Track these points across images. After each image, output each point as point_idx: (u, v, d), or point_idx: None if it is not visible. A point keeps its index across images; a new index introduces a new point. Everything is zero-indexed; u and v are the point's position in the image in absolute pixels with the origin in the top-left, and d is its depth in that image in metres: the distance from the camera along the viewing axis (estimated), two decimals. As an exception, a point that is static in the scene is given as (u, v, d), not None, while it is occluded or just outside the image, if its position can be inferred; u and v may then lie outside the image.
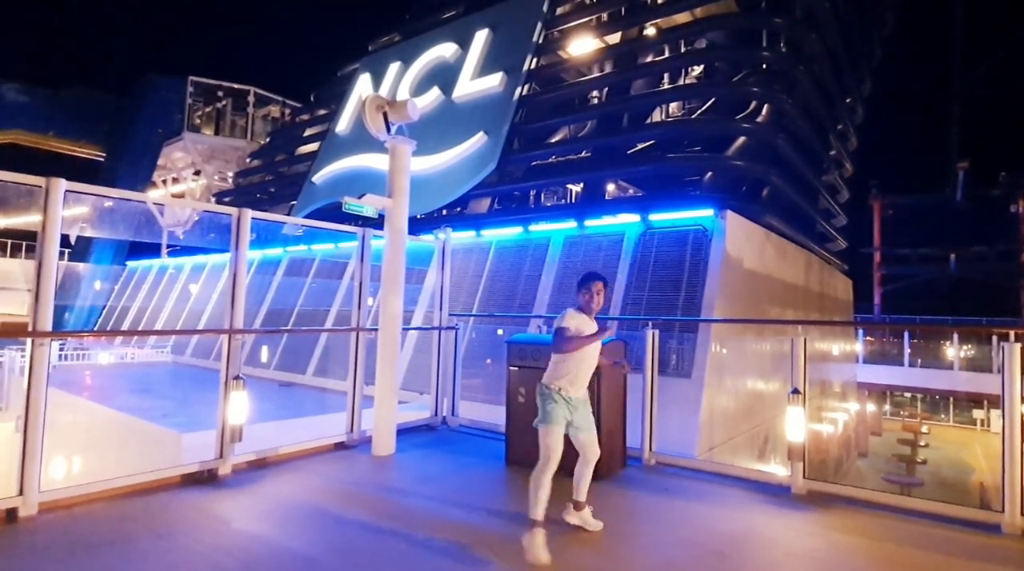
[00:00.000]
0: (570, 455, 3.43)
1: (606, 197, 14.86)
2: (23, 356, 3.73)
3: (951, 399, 26.21)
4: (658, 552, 3.31)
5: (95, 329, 22.45)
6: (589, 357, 3.51)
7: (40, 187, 3.63)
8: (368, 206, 5.25)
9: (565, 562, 3.14)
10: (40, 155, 28.68)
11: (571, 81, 15.56)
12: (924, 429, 21.96)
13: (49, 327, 3.62)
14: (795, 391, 4.26)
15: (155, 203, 17.13)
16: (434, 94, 16.77)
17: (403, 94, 17.56)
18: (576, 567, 3.10)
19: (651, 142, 14.43)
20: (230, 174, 27.59)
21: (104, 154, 29.02)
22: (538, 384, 3.52)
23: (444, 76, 17.09)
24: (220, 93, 27.24)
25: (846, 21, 17.20)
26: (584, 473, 3.52)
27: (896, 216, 31.62)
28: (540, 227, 12.30)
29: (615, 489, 3.60)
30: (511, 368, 4.99)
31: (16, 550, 3.09)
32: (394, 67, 19.03)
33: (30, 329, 3.55)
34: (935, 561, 3.25)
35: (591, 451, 3.51)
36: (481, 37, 16.71)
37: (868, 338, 21.78)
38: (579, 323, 3.47)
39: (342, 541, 3.35)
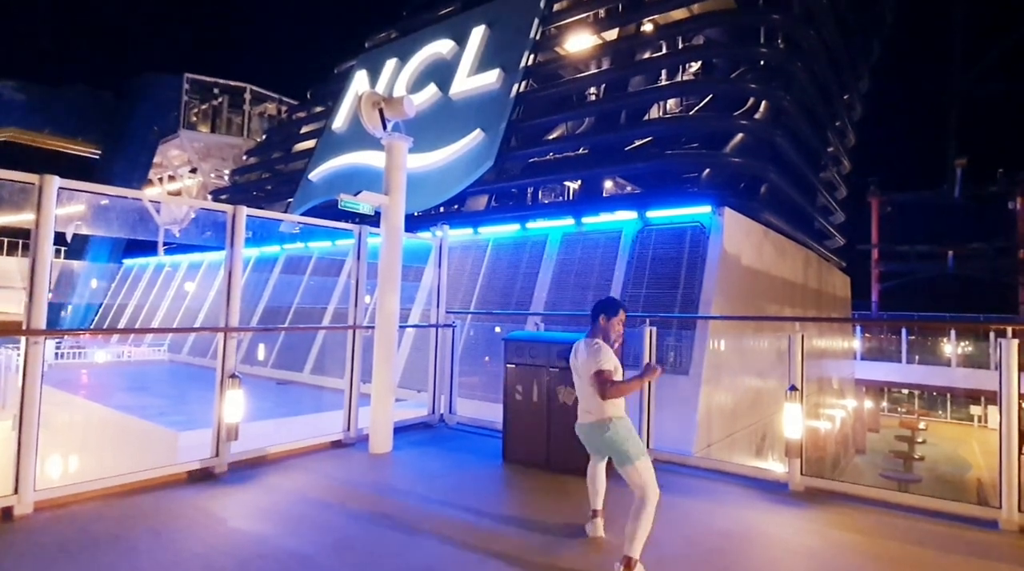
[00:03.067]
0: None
1: (603, 194, 14.84)
2: (20, 354, 3.70)
3: (949, 396, 26.32)
4: (656, 549, 3.30)
5: (91, 327, 22.38)
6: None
7: (33, 184, 3.61)
8: (364, 203, 5.23)
9: (564, 559, 3.14)
10: (36, 153, 28.55)
11: (568, 78, 15.50)
12: (922, 426, 22.02)
13: (43, 325, 3.60)
14: (793, 388, 4.26)
15: (151, 201, 17.07)
16: (431, 91, 16.71)
17: (400, 91, 17.49)
18: (575, 564, 3.10)
19: (649, 139, 14.39)
20: (226, 172, 27.55)
21: (100, 152, 28.92)
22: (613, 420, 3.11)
23: (441, 73, 17.04)
24: (216, 90, 27.19)
25: (844, 18, 17.17)
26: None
27: (894, 213, 31.67)
28: (537, 224, 12.27)
29: (612, 486, 3.61)
30: (508, 366, 4.99)
31: (11, 549, 3.08)
32: (391, 64, 18.97)
33: (24, 327, 3.53)
34: (932, 557, 3.25)
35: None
36: (478, 34, 16.66)
37: (866, 335, 21.82)
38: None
39: (339, 539, 3.34)
